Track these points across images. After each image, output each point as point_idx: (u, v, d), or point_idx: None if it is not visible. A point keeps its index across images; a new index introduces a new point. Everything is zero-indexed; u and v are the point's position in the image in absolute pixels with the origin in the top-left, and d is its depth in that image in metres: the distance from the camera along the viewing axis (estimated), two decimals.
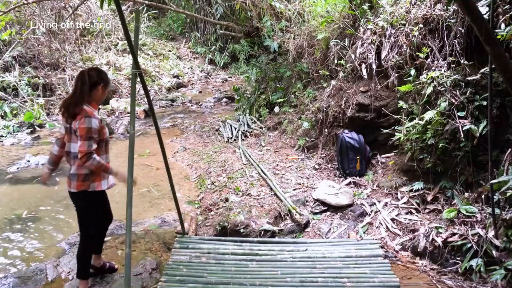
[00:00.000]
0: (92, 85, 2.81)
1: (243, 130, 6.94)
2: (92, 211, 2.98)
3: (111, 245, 3.78)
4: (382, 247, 3.65)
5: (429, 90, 3.96)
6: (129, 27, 2.56)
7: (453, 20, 4.09)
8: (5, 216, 4.46)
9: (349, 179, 4.83)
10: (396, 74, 4.62)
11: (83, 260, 3.01)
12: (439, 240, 3.43)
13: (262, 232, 3.93)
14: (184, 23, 15.53)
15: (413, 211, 4.03)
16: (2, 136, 7.19)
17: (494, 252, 3.10)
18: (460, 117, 3.72)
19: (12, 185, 5.33)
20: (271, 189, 4.64)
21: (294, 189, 4.65)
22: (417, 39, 4.37)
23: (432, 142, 3.90)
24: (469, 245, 3.28)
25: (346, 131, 5.00)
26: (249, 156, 5.61)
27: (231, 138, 6.73)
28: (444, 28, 4.19)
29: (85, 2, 10.05)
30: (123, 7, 11.77)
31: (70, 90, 9.07)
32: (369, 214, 4.16)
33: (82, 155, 2.68)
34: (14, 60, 8.99)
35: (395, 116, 4.53)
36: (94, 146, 2.73)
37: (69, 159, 2.90)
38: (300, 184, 4.79)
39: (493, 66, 2.95)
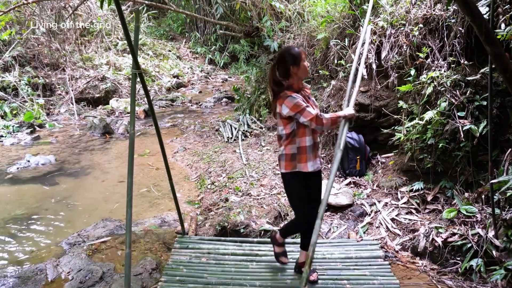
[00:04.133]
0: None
1: (243, 130, 6.93)
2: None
3: (111, 245, 3.78)
4: (382, 247, 3.65)
5: (429, 90, 3.96)
6: (129, 27, 2.56)
7: (453, 20, 4.09)
8: (5, 216, 4.46)
9: (349, 179, 4.82)
10: (396, 74, 4.61)
11: (287, 230, 3.16)
12: (439, 240, 3.43)
13: (262, 232, 3.93)
14: (184, 23, 15.52)
15: (413, 211, 4.03)
16: (2, 136, 7.19)
17: (494, 252, 3.10)
18: (460, 117, 3.72)
19: (12, 185, 5.33)
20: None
21: None
22: (417, 39, 4.37)
23: (432, 142, 3.90)
24: (469, 245, 3.27)
25: None
26: None
27: (231, 138, 6.72)
28: (444, 28, 4.19)
29: (85, 2, 10.04)
30: (123, 7, 11.77)
31: (70, 90, 9.09)
32: (369, 214, 4.16)
33: None
34: (14, 60, 8.98)
35: (395, 116, 4.53)
36: None
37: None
38: None
39: (493, 66, 2.94)
